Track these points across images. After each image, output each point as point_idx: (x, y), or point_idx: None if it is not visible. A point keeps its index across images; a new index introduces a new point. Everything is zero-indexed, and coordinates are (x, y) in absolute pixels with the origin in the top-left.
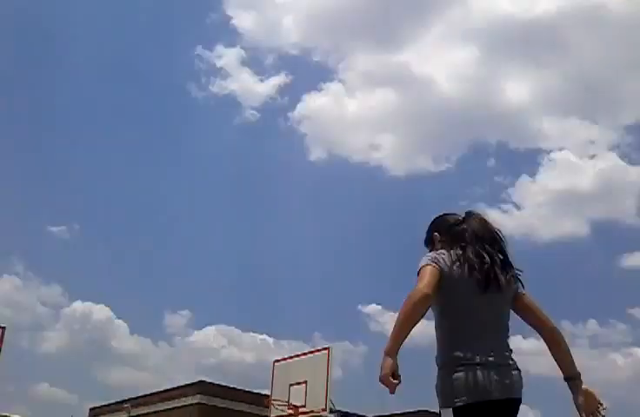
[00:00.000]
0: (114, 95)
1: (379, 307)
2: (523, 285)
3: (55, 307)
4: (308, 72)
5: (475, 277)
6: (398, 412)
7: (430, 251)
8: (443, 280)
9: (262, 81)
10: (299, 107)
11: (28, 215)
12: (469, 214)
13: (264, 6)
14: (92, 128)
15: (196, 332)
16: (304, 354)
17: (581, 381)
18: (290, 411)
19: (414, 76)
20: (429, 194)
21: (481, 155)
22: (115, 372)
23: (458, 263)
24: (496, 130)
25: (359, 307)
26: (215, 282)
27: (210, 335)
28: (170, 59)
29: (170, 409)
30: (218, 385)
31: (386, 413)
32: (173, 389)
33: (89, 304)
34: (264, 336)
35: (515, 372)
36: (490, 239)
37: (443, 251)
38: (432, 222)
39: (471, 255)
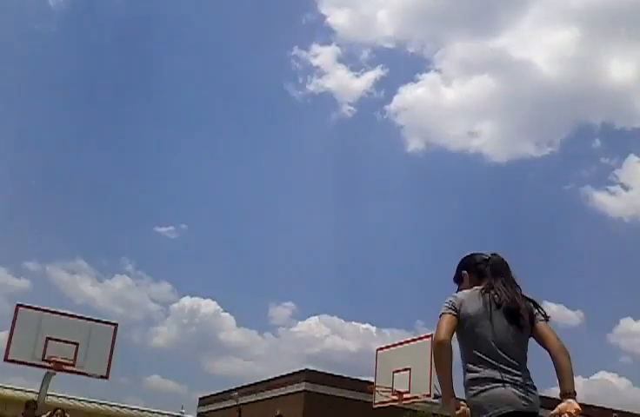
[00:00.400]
0: (214, 97)
1: None
2: (543, 314)
3: (164, 304)
4: (403, 64)
5: (501, 310)
6: None
7: (459, 288)
8: (463, 321)
9: (357, 76)
10: (395, 99)
11: (136, 217)
12: (493, 254)
13: (358, 2)
14: (196, 130)
15: (299, 322)
16: (407, 341)
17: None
18: (394, 397)
19: (512, 61)
20: (532, 179)
21: (585, 136)
22: (222, 363)
23: (482, 299)
24: (601, 111)
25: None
26: (317, 274)
27: (313, 325)
28: (269, 60)
29: (276, 397)
30: (323, 373)
31: None
32: (279, 378)
33: (196, 299)
34: (367, 325)
35: (535, 391)
36: (507, 274)
37: (465, 291)
38: (461, 262)
39: (496, 291)
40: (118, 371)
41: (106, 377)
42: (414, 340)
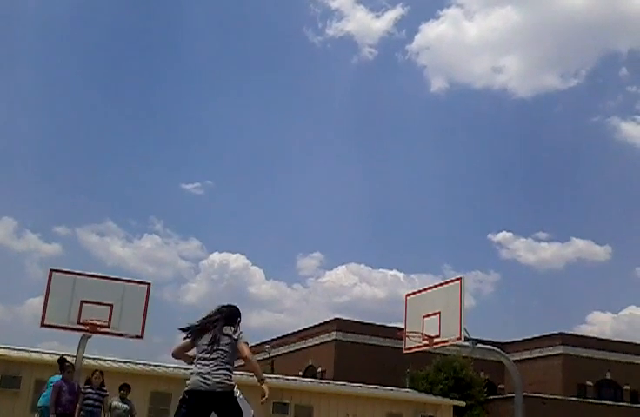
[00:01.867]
0: (235, 50)
1: (510, 234)
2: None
3: (194, 261)
4: (424, 1)
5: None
6: (536, 335)
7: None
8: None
9: (377, 17)
10: (417, 38)
11: (162, 175)
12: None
13: None
14: (218, 85)
15: (327, 272)
16: (436, 285)
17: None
18: (425, 341)
19: None
20: (558, 113)
21: (611, 65)
22: (254, 316)
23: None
24: (628, 38)
25: (489, 235)
26: (343, 223)
27: (341, 274)
28: (286, 5)
29: (307, 347)
30: (353, 321)
31: (519, 339)
32: (309, 328)
33: (225, 254)
34: (394, 271)
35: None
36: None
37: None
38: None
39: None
40: (152, 330)
41: (141, 337)
42: (442, 284)
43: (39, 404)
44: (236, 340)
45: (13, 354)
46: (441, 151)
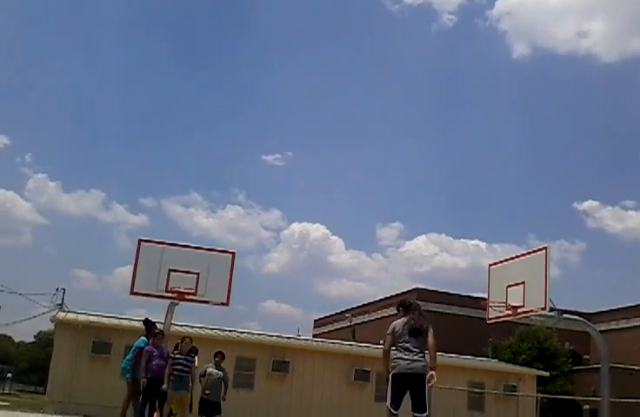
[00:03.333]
0: (311, 17)
1: (596, 202)
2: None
3: (275, 231)
4: None
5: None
6: (623, 305)
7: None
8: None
9: None
10: (498, 4)
11: (244, 147)
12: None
13: None
14: (297, 55)
15: (407, 242)
16: (520, 255)
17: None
18: (509, 311)
19: None
20: None
21: None
22: (334, 285)
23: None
24: None
25: (574, 204)
26: (423, 192)
27: (421, 244)
28: None
29: (389, 316)
30: (433, 291)
31: (606, 309)
32: (390, 297)
33: (306, 224)
34: (476, 241)
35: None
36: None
37: (399, 320)
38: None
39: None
40: (236, 298)
41: (226, 304)
42: (527, 253)
43: (122, 365)
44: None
45: (104, 320)
46: (523, 119)
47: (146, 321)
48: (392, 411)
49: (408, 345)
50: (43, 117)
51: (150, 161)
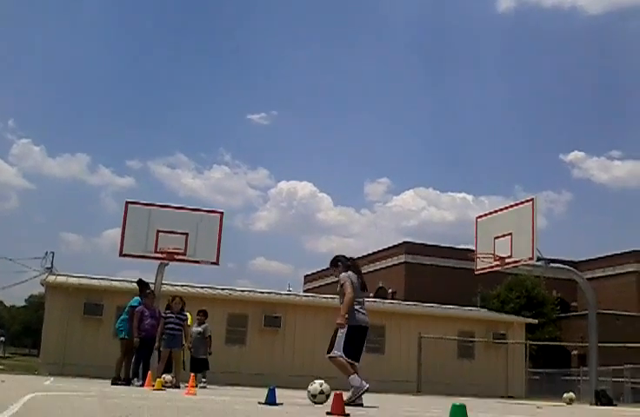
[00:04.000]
0: None
1: (582, 153)
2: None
3: (263, 189)
4: None
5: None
6: (609, 253)
7: (334, 270)
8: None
9: None
10: None
11: (228, 106)
12: (352, 258)
13: None
14: (282, 16)
15: (395, 197)
16: (508, 207)
17: None
18: (497, 262)
19: None
20: (633, 29)
21: None
22: (323, 241)
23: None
24: None
25: (560, 155)
26: (409, 147)
27: (409, 199)
28: None
29: (377, 270)
30: (422, 244)
31: (592, 257)
32: (379, 252)
33: (293, 182)
34: (463, 194)
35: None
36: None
37: (350, 273)
38: (336, 258)
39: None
40: (226, 257)
41: (216, 263)
42: (514, 205)
43: (116, 326)
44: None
45: (95, 282)
46: (509, 72)
47: (139, 282)
48: (353, 362)
49: (360, 299)
50: (25, 82)
51: (135, 123)
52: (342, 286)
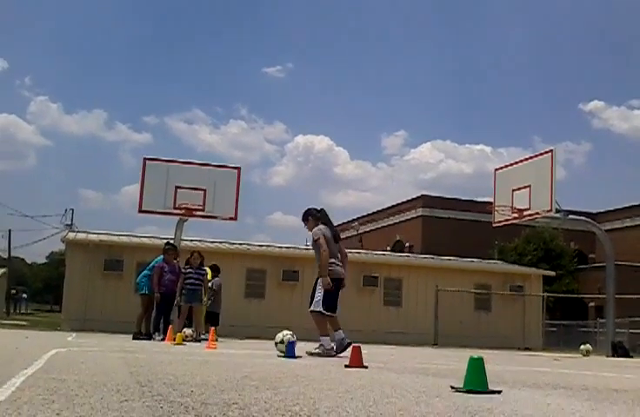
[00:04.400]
0: None
1: (601, 102)
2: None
3: (279, 144)
4: None
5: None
6: (627, 205)
7: (306, 225)
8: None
9: None
10: None
11: (244, 59)
12: (321, 209)
13: None
14: None
15: (412, 150)
16: (526, 159)
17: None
18: (515, 214)
19: None
20: None
21: None
22: (340, 195)
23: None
24: None
25: (579, 105)
26: (426, 99)
27: (426, 152)
28: None
29: (395, 224)
30: (439, 197)
31: (611, 209)
32: (396, 205)
33: (310, 137)
34: (481, 146)
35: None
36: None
37: (321, 226)
38: (307, 211)
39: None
40: (244, 212)
41: (234, 219)
42: (532, 156)
43: (137, 281)
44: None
45: (114, 239)
46: (527, 21)
47: (166, 244)
48: (332, 314)
49: (334, 252)
50: (41, 39)
51: (151, 78)
52: (315, 241)
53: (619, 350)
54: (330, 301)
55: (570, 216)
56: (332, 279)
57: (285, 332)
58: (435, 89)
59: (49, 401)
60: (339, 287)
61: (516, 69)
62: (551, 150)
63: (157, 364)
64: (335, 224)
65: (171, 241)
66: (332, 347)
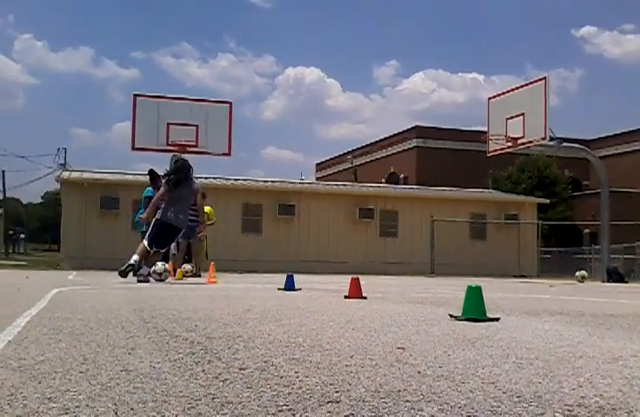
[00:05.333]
0: None
1: (594, 28)
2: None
3: (270, 77)
4: None
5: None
6: (621, 131)
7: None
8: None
9: None
10: None
11: None
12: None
13: None
14: None
15: (404, 80)
16: (519, 87)
17: None
18: (509, 143)
19: None
20: None
21: None
22: (333, 128)
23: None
24: None
25: (572, 31)
26: (417, 27)
27: (418, 81)
28: None
29: (389, 156)
30: (433, 128)
31: (604, 135)
32: (390, 137)
33: (300, 69)
34: (474, 74)
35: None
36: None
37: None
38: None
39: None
40: (237, 147)
41: (228, 154)
42: (526, 84)
43: (135, 219)
44: None
45: (109, 177)
46: None
47: (150, 172)
48: (159, 249)
49: (174, 200)
50: None
51: (136, 12)
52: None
53: (614, 276)
54: (159, 239)
55: (564, 144)
56: (162, 222)
57: (160, 263)
58: (426, 16)
59: (55, 340)
60: (169, 229)
61: None
62: (544, 77)
63: (160, 300)
64: (328, 158)
65: (154, 170)
66: (148, 271)
